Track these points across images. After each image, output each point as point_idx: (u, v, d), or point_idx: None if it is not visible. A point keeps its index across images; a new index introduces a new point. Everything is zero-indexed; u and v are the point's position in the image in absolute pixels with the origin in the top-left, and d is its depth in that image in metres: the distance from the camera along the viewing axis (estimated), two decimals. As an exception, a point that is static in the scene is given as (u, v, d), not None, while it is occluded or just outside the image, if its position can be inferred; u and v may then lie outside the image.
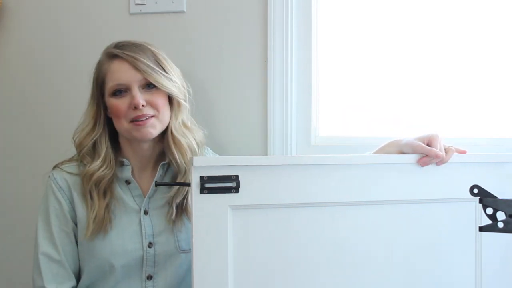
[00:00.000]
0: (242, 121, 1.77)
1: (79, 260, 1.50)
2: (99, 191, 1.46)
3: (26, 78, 1.89)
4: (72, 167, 1.51)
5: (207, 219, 1.23)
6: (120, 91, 1.44)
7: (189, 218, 1.48)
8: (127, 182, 1.51)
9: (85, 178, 1.47)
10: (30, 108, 1.89)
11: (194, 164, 1.22)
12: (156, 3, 1.80)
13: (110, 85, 1.45)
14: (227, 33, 1.77)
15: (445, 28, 1.70)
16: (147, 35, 1.64)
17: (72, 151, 1.57)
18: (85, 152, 1.49)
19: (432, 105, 1.72)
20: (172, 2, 1.79)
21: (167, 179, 1.53)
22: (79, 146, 1.50)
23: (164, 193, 1.50)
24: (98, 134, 1.48)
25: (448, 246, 1.37)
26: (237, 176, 1.24)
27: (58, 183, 1.48)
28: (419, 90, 1.73)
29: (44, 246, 1.46)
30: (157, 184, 1.34)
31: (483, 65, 1.68)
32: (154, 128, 1.45)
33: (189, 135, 1.52)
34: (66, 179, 1.49)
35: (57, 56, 1.87)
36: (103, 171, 1.46)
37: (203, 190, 1.22)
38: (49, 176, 1.51)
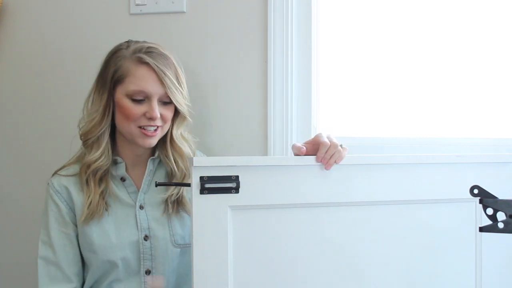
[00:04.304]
0: (242, 121, 1.77)
1: (82, 262, 1.53)
2: (95, 179, 1.50)
3: (26, 78, 1.89)
4: (68, 170, 1.54)
5: (207, 220, 1.23)
6: (139, 97, 1.46)
7: (186, 211, 1.54)
8: (122, 179, 1.55)
9: (84, 167, 1.51)
10: (30, 108, 1.89)
11: (194, 165, 1.22)
12: (156, 3, 1.80)
13: (131, 88, 1.46)
14: (227, 34, 1.77)
15: (445, 28, 1.71)
16: (147, 35, 1.64)
17: (73, 151, 1.58)
18: (89, 142, 1.51)
19: (432, 105, 1.72)
20: (172, 2, 1.79)
21: (158, 175, 1.57)
22: (85, 135, 1.52)
23: (159, 190, 1.53)
24: (105, 127, 1.50)
25: (448, 247, 1.37)
26: (237, 177, 1.24)
27: (55, 188, 1.52)
28: (419, 90, 1.73)
29: (42, 250, 1.50)
30: (157, 185, 1.36)
31: (483, 66, 1.69)
32: (156, 138, 1.50)
33: (186, 144, 1.57)
34: (63, 182, 1.52)
35: (57, 56, 1.86)
36: (100, 162, 1.50)
37: (203, 190, 1.22)
38: (48, 184, 1.54)
